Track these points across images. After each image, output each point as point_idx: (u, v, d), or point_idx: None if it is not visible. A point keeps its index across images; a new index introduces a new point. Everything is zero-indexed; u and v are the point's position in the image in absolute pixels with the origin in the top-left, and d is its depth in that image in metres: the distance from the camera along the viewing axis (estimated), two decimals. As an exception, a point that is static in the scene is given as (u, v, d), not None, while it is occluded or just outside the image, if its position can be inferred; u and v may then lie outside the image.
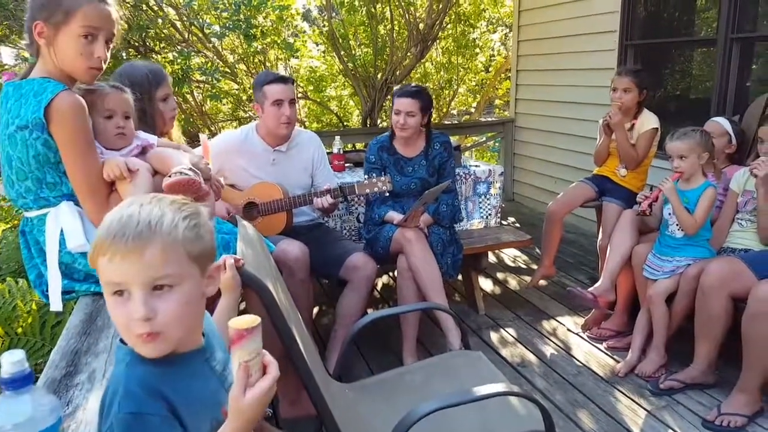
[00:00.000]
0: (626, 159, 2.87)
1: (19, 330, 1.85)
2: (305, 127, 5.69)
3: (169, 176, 1.40)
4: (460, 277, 3.19)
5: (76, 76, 1.41)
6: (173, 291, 0.76)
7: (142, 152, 1.59)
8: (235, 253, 1.45)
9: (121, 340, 0.82)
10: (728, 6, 3.23)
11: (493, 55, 8.00)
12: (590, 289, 2.63)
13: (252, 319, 0.79)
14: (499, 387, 1.45)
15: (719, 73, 3.33)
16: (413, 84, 2.70)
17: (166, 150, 1.60)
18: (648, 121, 2.84)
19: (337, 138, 3.50)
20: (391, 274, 3.62)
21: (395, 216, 2.57)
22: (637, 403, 2.24)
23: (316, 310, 3.16)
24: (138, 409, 0.75)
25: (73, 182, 1.37)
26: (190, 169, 1.44)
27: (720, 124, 2.51)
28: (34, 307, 1.87)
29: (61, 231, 1.38)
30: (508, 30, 7.67)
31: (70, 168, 1.35)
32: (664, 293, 2.33)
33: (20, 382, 0.68)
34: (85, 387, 0.98)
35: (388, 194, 2.59)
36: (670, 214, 2.37)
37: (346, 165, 3.47)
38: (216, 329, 0.98)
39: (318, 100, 6.69)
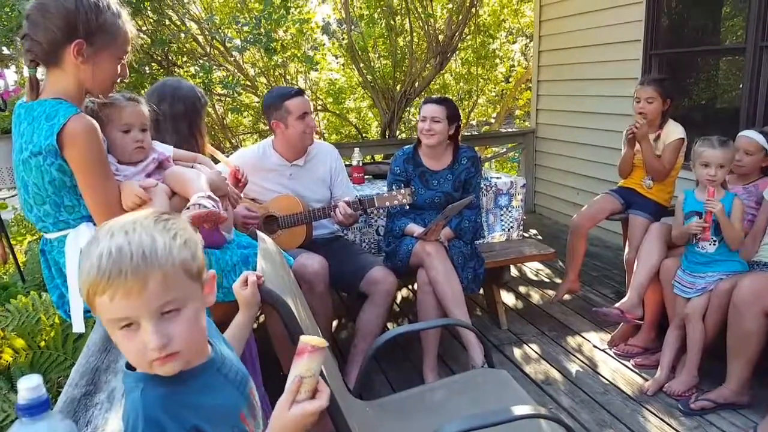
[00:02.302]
0: (652, 171, 2.80)
1: (42, 343, 1.86)
2: (324, 140, 5.72)
3: (188, 208, 1.39)
4: (481, 290, 3.14)
5: (94, 93, 1.41)
6: (181, 313, 0.75)
7: (158, 167, 1.58)
8: (255, 268, 1.45)
9: (128, 366, 0.81)
10: (757, 13, 3.15)
11: (514, 66, 7.95)
12: (617, 305, 2.56)
13: (320, 341, 0.85)
14: (525, 409, 1.40)
15: (748, 82, 3.24)
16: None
17: (184, 170, 1.58)
18: (674, 131, 2.77)
19: (356, 150, 3.49)
20: (410, 287, 3.59)
21: (416, 229, 2.54)
22: (667, 423, 2.16)
23: (334, 323, 3.13)
24: None
25: (90, 206, 1.35)
26: (208, 196, 1.42)
27: (754, 140, 2.38)
28: (57, 321, 1.88)
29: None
30: (528, 40, 7.63)
31: (86, 192, 1.33)
32: (700, 312, 2.25)
33: (37, 409, 0.66)
34: (105, 406, 0.97)
35: (408, 207, 2.57)
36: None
37: (366, 177, 3.46)
38: (218, 333, 0.97)
39: (337, 112, 6.72)
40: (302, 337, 0.86)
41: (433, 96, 2.66)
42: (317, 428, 1.52)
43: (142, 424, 0.74)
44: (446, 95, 6.99)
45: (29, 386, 0.65)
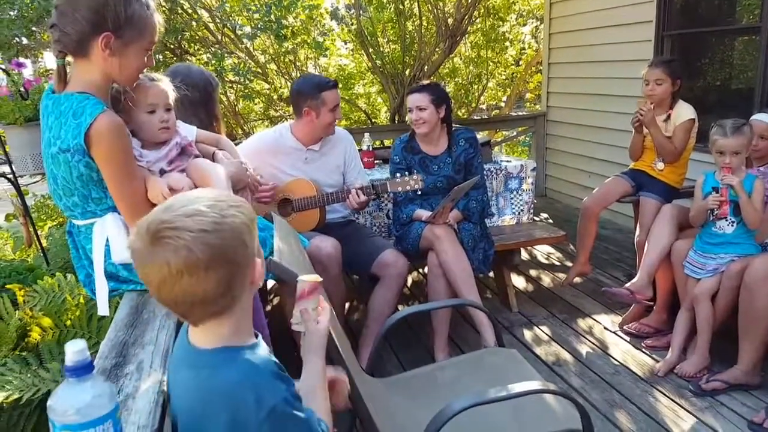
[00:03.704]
0: (664, 153, 2.80)
1: (68, 322, 1.92)
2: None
3: None
4: (492, 273, 3.17)
5: (120, 83, 1.43)
6: None
7: (181, 152, 1.61)
8: (272, 250, 1.49)
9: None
10: (772, -8, 3.11)
11: (524, 48, 7.87)
12: (627, 285, 2.58)
13: (316, 277, 1.09)
14: (536, 384, 1.44)
15: (763, 63, 3.21)
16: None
17: (205, 164, 1.60)
18: (684, 112, 2.76)
19: (367, 135, 3.52)
20: (421, 270, 3.63)
21: (423, 213, 2.57)
22: (677, 404, 2.19)
23: (346, 305, 3.18)
24: (287, 394, 0.86)
25: (117, 202, 1.38)
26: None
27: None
28: (81, 300, 1.94)
29: (107, 240, 1.41)
30: (539, 22, 7.55)
31: (113, 189, 1.36)
32: (709, 293, 2.27)
33: (82, 370, 0.71)
34: (134, 377, 1.02)
35: (419, 192, 2.60)
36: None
37: (375, 161, 3.49)
38: None
39: (346, 97, 6.72)
40: (304, 278, 1.06)
41: (415, 85, 2.66)
42: (335, 402, 1.59)
43: (267, 380, 0.85)
44: (455, 79, 6.99)
45: (75, 349, 0.70)
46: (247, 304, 0.91)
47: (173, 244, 0.78)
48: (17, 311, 1.87)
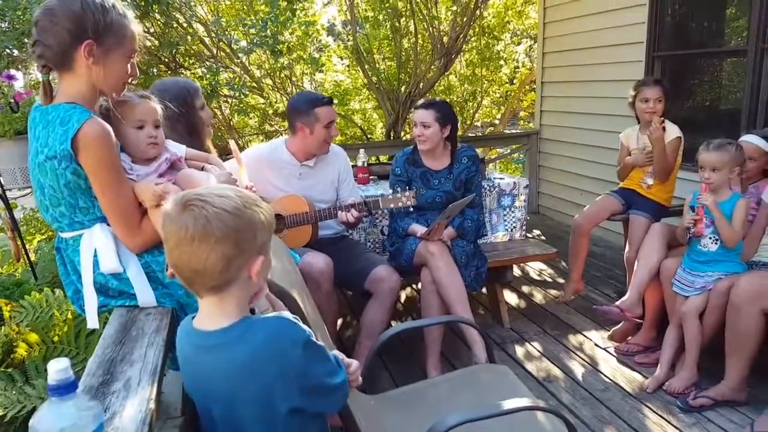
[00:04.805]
0: (659, 170, 2.81)
1: (56, 338, 1.91)
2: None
3: None
4: (484, 290, 3.18)
5: (107, 92, 1.43)
6: None
7: (171, 167, 1.62)
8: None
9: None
10: (759, 15, 3.18)
11: (518, 67, 7.98)
12: (617, 303, 2.60)
13: None
14: (526, 401, 1.44)
15: (749, 84, 3.27)
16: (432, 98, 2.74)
17: (195, 173, 1.61)
18: (672, 130, 2.81)
19: (362, 151, 3.54)
20: (414, 286, 3.63)
21: (418, 229, 2.58)
22: (666, 420, 2.19)
23: (339, 321, 3.18)
24: (309, 331, 1.02)
25: (105, 209, 1.37)
26: None
27: (756, 145, 2.41)
28: (69, 316, 1.92)
29: (95, 252, 1.40)
30: (532, 42, 7.66)
31: (101, 196, 1.36)
32: (697, 310, 2.28)
33: (65, 389, 0.71)
34: (122, 394, 1.01)
35: (412, 209, 2.61)
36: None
37: (371, 178, 3.51)
38: None
39: (342, 113, 6.77)
40: None
41: (422, 101, 2.67)
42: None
43: (291, 324, 0.99)
44: (450, 97, 7.07)
45: (58, 368, 0.70)
46: (243, 291, 1.01)
47: (197, 213, 0.91)
48: (3, 326, 1.84)
